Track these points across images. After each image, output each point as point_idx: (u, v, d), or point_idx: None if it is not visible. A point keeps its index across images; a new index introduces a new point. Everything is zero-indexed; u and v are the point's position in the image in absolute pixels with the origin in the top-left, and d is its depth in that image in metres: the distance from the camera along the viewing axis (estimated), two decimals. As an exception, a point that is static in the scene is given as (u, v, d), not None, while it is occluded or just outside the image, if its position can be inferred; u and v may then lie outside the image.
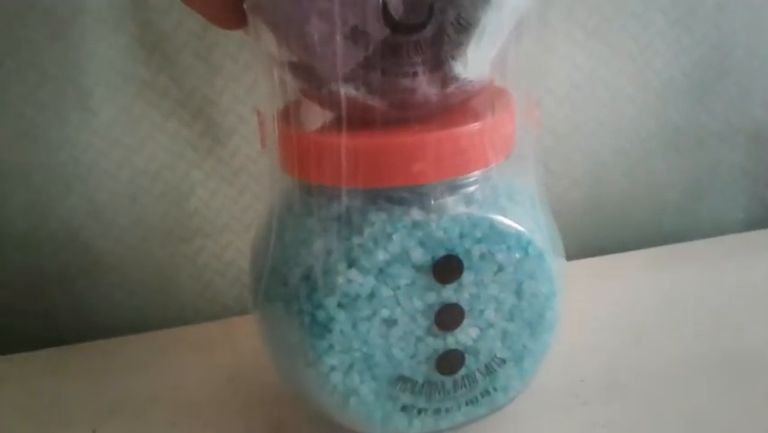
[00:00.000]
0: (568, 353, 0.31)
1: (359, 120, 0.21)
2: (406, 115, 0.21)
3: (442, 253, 0.22)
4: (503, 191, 0.23)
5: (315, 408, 0.25)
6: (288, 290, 0.22)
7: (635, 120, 0.40)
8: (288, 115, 0.23)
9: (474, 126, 0.21)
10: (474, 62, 0.20)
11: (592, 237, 0.42)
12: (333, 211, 0.22)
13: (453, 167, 0.21)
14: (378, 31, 0.19)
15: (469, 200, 0.22)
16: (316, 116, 0.22)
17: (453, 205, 0.22)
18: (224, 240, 0.39)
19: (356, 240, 0.21)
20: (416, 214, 0.22)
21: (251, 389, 0.31)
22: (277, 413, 0.29)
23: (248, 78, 0.36)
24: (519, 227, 0.23)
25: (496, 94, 0.24)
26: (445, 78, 0.20)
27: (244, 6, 0.21)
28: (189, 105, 0.36)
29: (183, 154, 0.37)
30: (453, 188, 0.22)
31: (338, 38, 0.19)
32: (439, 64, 0.20)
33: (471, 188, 0.22)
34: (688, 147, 0.41)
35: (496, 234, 0.22)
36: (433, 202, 0.22)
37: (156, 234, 0.38)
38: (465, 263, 0.22)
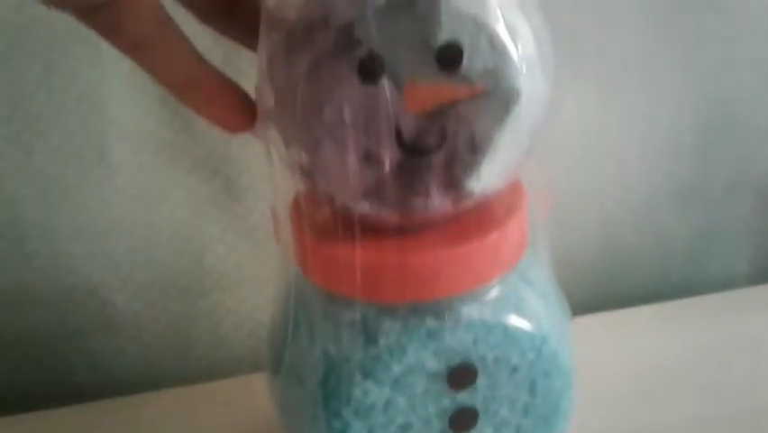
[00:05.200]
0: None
1: (372, 225, 0.21)
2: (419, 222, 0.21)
3: (456, 361, 0.22)
4: (515, 287, 0.23)
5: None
6: (304, 392, 0.23)
7: (644, 176, 0.41)
8: (300, 213, 0.23)
9: (492, 237, 0.21)
10: (488, 177, 0.20)
11: (602, 288, 0.43)
12: (348, 316, 0.22)
13: (471, 281, 0.21)
14: (391, 154, 0.19)
15: (482, 304, 0.22)
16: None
17: (468, 311, 0.22)
18: (241, 294, 0.39)
19: (372, 351, 0.21)
20: (431, 322, 0.22)
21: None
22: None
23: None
24: (533, 329, 0.23)
25: (508, 190, 0.23)
26: (458, 195, 0.20)
27: (257, 118, 0.21)
28: (208, 164, 0.36)
29: (201, 211, 0.37)
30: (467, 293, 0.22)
31: (351, 162, 0.19)
32: (452, 183, 0.20)
33: (484, 293, 0.22)
34: (694, 201, 0.42)
35: (510, 339, 0.22)
36: (447, 310, 0.22)
37: (173, 289, 0.38)
38: (479, 369, 0.22)
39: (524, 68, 0.19)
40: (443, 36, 0.18)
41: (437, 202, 0.20)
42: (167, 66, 0.21)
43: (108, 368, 0.39)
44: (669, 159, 0.40)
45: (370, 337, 0.22)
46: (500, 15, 0.19)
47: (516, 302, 0.23)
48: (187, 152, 0.36)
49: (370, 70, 0.18)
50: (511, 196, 0.23)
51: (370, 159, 0.19)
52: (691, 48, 0.38)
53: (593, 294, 0.42)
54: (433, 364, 0.22)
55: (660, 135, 0.40)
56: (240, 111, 0.22)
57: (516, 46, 0.19)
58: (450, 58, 0.18)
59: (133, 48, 0.21)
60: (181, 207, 0.37)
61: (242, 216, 0.38)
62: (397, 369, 0.21)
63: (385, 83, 0.18)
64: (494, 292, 0.23)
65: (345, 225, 0.21)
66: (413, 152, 0.19)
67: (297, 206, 0.23)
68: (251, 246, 0.38)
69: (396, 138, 0.19)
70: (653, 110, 0.39)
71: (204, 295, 0.39)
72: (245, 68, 0.25)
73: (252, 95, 0.22)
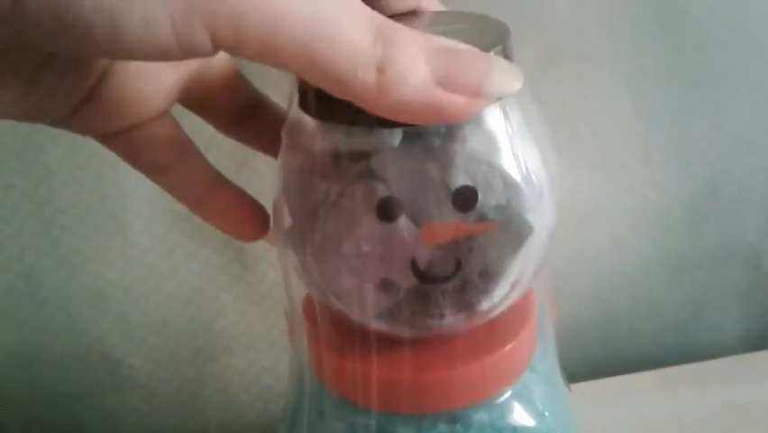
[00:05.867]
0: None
1: (386, 337, 0.22)
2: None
3: (466, 466, 0.23)
4: (524, 382, 0.24)
5: None
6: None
7: (636, 247, 0.42)
8: (314, 310, 0.24)
9: (506, 350, 0.22)
10: (501, 297, 0.21)
11: (597, 353, 0.44)
12: (363, 421, 0.23)
13: (485, 392, 0.22)
14: (407, 283, 0.20)
15: (492, 408, 0.23)
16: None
17: (479, 416, 0.23)
18: (250, 357, 0.40)
19: (385, 458, 0.22)
20: (443, 427, 0.23)
21: None
22: None
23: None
24: (540, 425, 0.24)
25: (520, 299, 0.24)
26: (472, 315, 0.21)
27: (274, 233, 0.22)
28: (220, 236, 0.37)
29: (214, 279, 0.38)
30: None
31: (368, 290, 0.20)
32: (466, 307, 0.21)
33: (496, 397, 0.23)
34: (686, 270, 0.43)
35: (519, 441, 0.23)
36: (459, 416, 0.23)
37: (185, 352, 0.40)
38: (488, 471, 0.23)
39: (535, 200, 0.20)
40: (460, 180, 0.19)
41: (451, 321, 0.21)
42: (182, 185, 0.23)
43: (120, 428, 0.40)
44: (660, 231, 0.42)
45: (384, 443, 0.23)
46: (512, 153, 0.20)
47: (526, 396, 0.24)
48: (201, 225, 0.36)
49: (388, 212, 0.19)
50: (522, 303, 0.24)
51: (386, 286, 0.20)
52: (682, 129, 0.39)
53: (589, 358, 0.43)
54: (443, 470, 0.23)
55: (652, 208, 0.41)
56: (252, 224, 0.23)
57: (528, 181, 0.20)
58: (465, 199, 0.19)
59: (151, 170, 0.22)
60: (195, 276, 0.38)
61: (253, 284, 0.39)
62: (409, 475, 0.22)
63: (402, 221, 0.19)
64: (504, 395, 0.24)
65: (360, 339, 0.22)
66: (427, 280, 0.20)
67: (310, 302, 0.24)
68: (262, 312, 0.40)
69: (411, 267, 0.20)
70: (646, 185, 0.40)
71: (214, 358, 0.40)
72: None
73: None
